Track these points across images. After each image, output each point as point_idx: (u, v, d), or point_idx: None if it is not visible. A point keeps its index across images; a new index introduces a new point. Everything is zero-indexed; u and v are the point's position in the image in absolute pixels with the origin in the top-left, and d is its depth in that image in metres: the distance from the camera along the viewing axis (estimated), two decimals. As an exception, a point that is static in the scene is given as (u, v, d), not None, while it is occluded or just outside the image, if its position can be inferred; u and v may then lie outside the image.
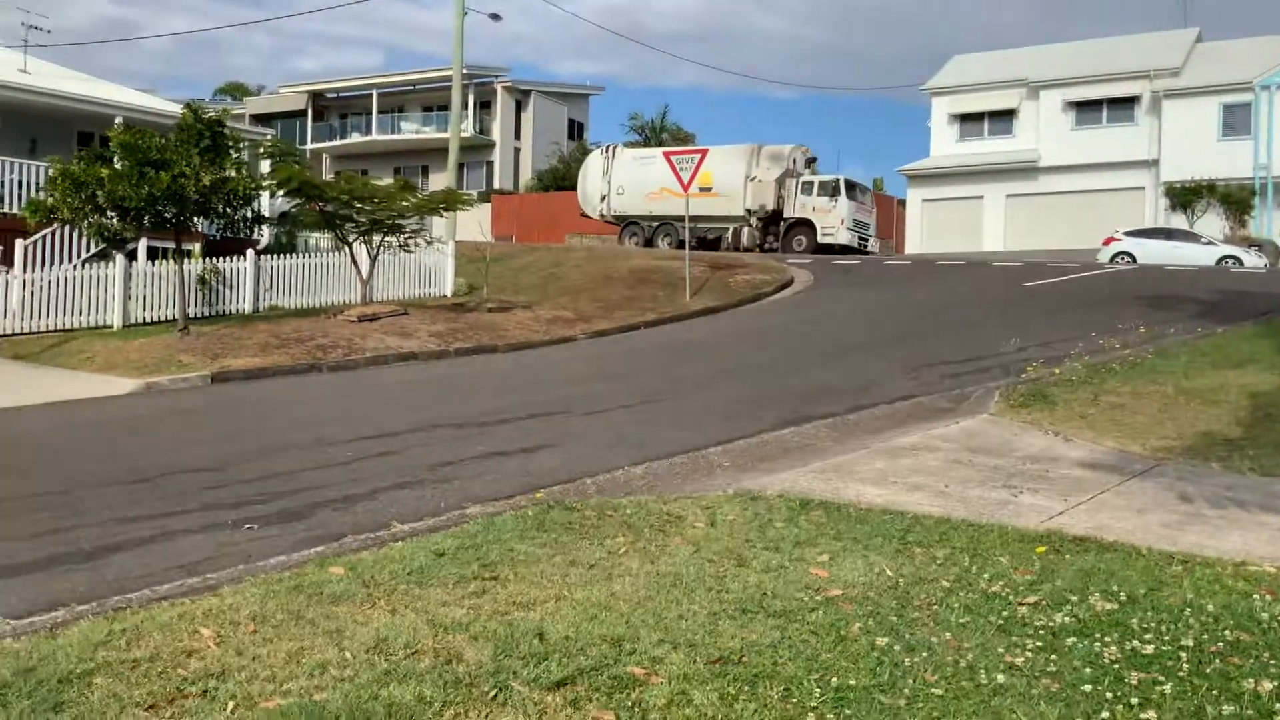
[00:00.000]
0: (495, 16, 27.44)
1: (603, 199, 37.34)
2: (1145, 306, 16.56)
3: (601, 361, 13.78)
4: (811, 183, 34.42)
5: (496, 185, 53.52)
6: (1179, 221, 34.66)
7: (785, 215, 34.44)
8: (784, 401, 9.67)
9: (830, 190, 33.87)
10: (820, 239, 33.61)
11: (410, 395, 11.32)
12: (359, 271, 19.12)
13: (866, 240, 34.92)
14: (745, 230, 34.61)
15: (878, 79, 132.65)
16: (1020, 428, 8.12)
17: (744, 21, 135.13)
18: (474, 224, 39.45)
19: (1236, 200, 34.17)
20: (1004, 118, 42.39)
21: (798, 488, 6.21)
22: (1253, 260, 28.49)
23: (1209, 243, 29.59)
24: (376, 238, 19.01)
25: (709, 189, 34.40)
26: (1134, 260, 29.14)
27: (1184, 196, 34.92)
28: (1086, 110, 40.21)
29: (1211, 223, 34.18)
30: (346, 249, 19.25)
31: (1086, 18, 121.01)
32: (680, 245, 32.39)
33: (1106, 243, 30.70)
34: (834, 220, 33.55)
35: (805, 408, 9.30)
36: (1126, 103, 39.50)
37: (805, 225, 33.99)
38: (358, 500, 6.39)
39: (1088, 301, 17.94)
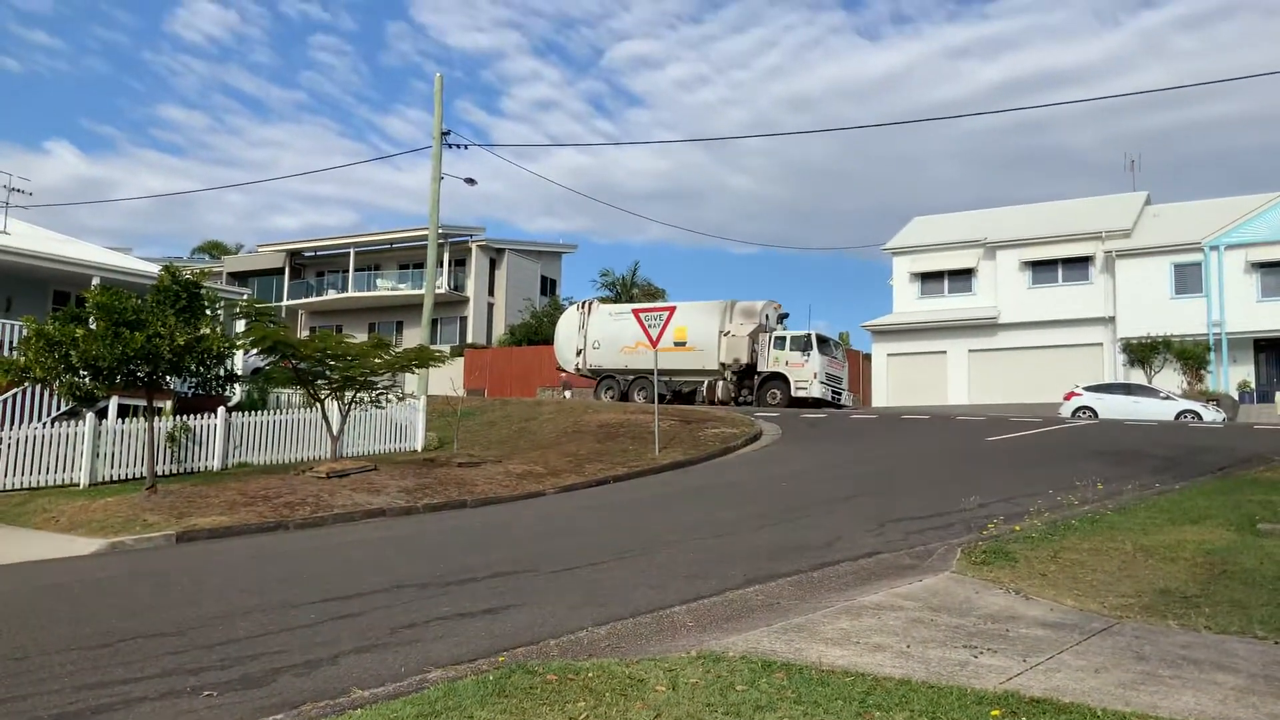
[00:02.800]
0: (470, 181, 28.31)
1: (578, 353, 37.82)
2: (1105, 462, 16.83)
3: (570, 517, 13.78)
4: (784, 337, 35.09)
5: (470, 339, 54.19)
6: (1138, 376, 35.43)
7: (759, 369, 34.96)
8: (750, 558, 9.70)
9: (803, 345, 34.51)
10: (794, 393, 34.08)
11: (376, 554, 11.25)
12: (329, 428, 19.18)
13: (840, 394, 35.44)
14: (720, 384, 35.00)
15: (841, 234, 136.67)
16: (982, 585, 8.19)
17: (710, 180, 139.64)
18: (446, 378, 39.73)
19: (1192, 356, 35.04)
20: (963, 276, 43.70)
21: (761, 648, 6.22)
22: (1211, 415, 29.03)
23: (1167, 397, 30.19)
24: (348, 394, 19.15)
25: (684, 344, 35.00)
26: (1095, 415, 29.64)
27: (1141, 352, 35.79)
28: (1042, 269, 41.60)
29: (1169, 378, 34.97)
30: (318, 405, 19.35)
31: (1042, 178, 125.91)
32: (661, 399, 32.65)
33: (1068, 397, 31.27)
34: (807, 374, 34.09)
35: (771, 564, 9.34)
36: (1081, 262, 40.90)
37: (779, 379, 34.49)
38: (319, 665, 6.34)
39: (1048, 457, 18.20)
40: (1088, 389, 31.39)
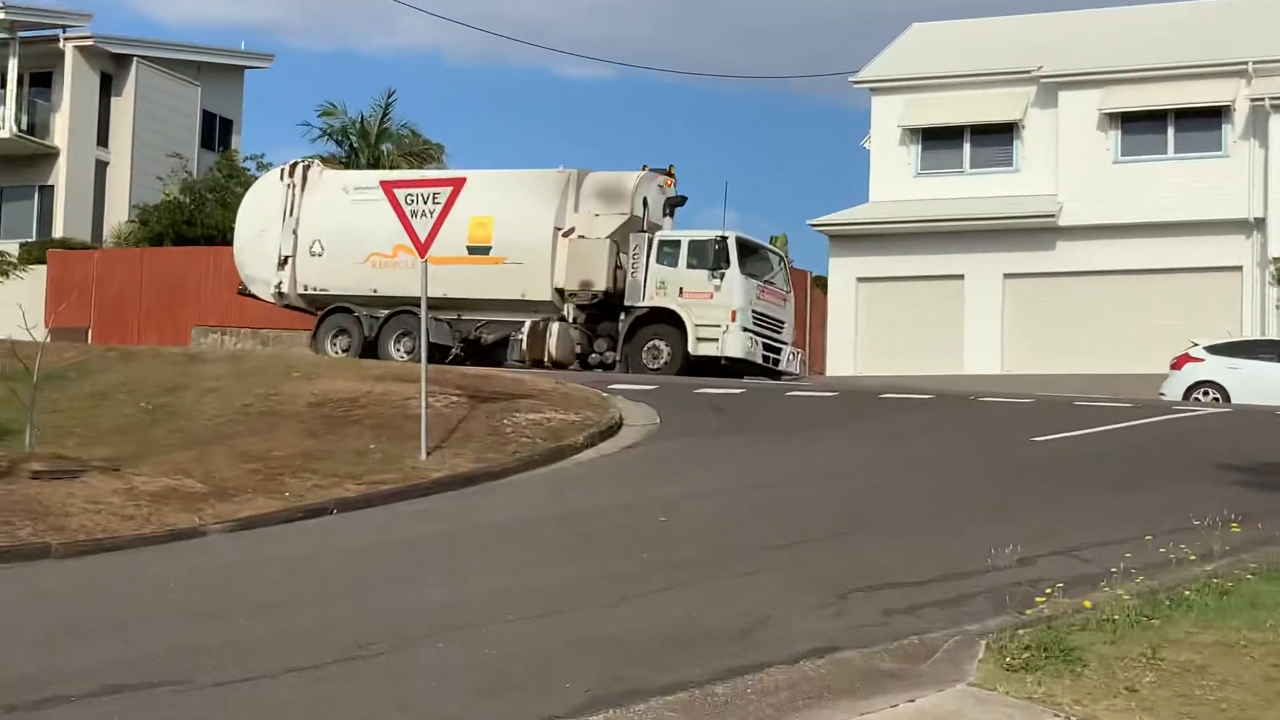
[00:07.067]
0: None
1: (284, 263, 37.10)
2: (1242, 482, 17.37)
3: (252, 579, 13.62)
4: (677, 243, 35.09)
5: (61, 231, 52.80)
6: (1302, 327, 36.72)
7: (630, 302, 34.93)
8: (597, 657, 9.72)
9: (711, 257, 34.42)
10: (694, 347, 34.04)
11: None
12: None
13: (777, 351, 35.41)
14: (554, 327, 34.86)
15: (774, 52, 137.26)
16: (1024, 712, 8.37)
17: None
18: (11, 304, 38.60)
19: None
20: (999, 136, 44.41)
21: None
22: None
23: (1361, 367, 31.35)
24: None
25: (485, 249, 34.48)
26: (1224, 396, 30.76)
27: (1313, 286, 37.00)
28: (1140, 128, 42.49)
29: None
30: None
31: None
32: (441, 354, 32.26)
33: (1178, 365, 32.26)
34: (719, 312, 34.02)
35: (637, 670, 9.37)
36: (1208, 116, 41.88)
37: (667, 321, 34.47)
38: None
39: (1143, 472, 18.77)
40: (1212, 350, 32.31)
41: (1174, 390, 31.54)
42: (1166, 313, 39.49)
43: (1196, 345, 32.90)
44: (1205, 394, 31.04)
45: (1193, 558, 12.57)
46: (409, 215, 21.91)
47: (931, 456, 20.79)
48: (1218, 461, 19.46)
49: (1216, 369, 31.55)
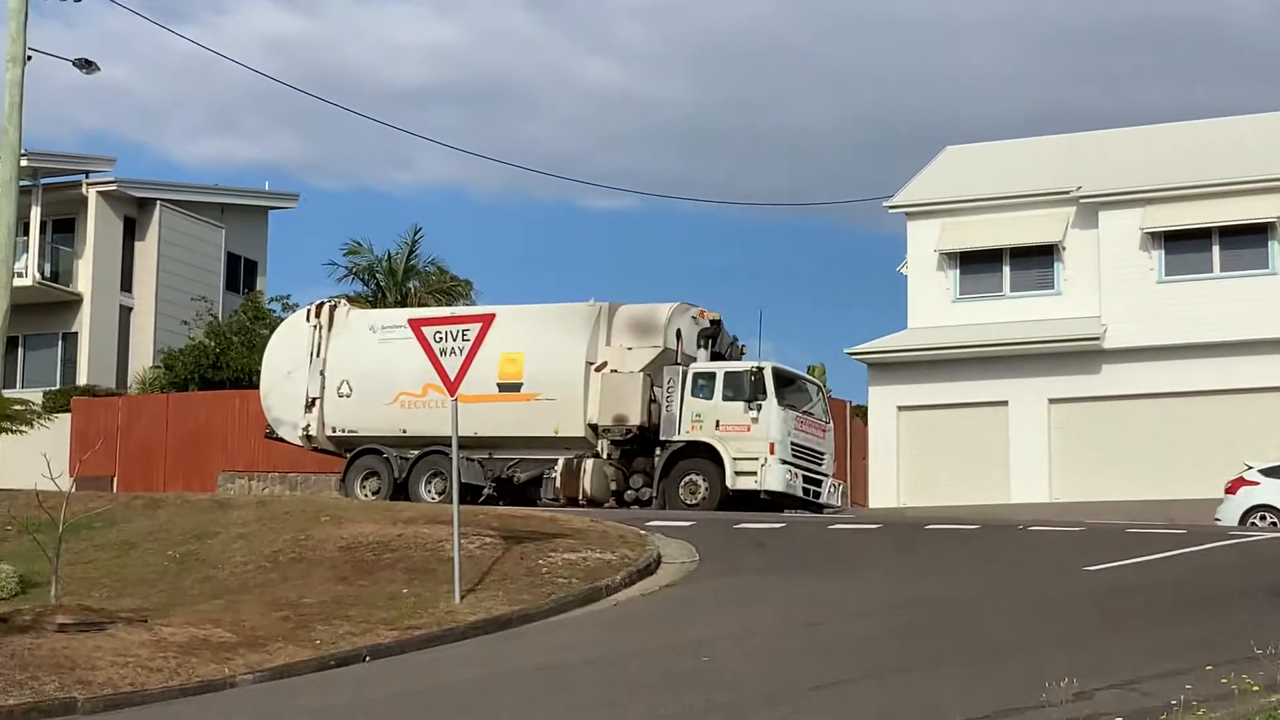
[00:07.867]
0: (86, 64, 27.82)
1: (311, 404, 37.36)
2: (1305, 609, 17.25)
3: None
4: (711, 375, 35.11)
5: (84, 379, 52.84)
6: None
7: (665, 436, 34.97)
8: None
9: (748, 388, 34.53)
10: (733, 482, 34.05)
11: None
12: None
13: (818, 483, 35.34)
14: (589, 464, 34.92)
15: (802, 177, 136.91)
16: None
17: (546, 67, 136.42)
18: (35, 453, 38.65)
19: None
20: (1039, 258, 44.26)
21: None
22: None
23: None
24: None
25: (515, 386, 34.46)
26: (1282, 520, 30.51)
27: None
28: (1183, 247, 42.31)
29: None
30: None
31: (1182, 66, 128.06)
32: (473, 494, 32.12)
33: (1233, 489, 32.06)
34: (757, 445, 34.05)
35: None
36: (1253, 234, 41.70)
37: (704, 455, 34.47)
38: None
39: (1199, 600, 18.64)
40: (1269, 473, 32.10)
41: (1230, 515, 31.32)
42: (1218, 435, 39.23)
43: (1251, 468, 32.72)
44: (1262, 518, 30.86)
45: (1255, 688, 12.46)
46: (438, 353, 21.97)
47: (980, 589, 20.68)
48: (1279, 589, 19.35)
49: (1273, 492, 31.36)
